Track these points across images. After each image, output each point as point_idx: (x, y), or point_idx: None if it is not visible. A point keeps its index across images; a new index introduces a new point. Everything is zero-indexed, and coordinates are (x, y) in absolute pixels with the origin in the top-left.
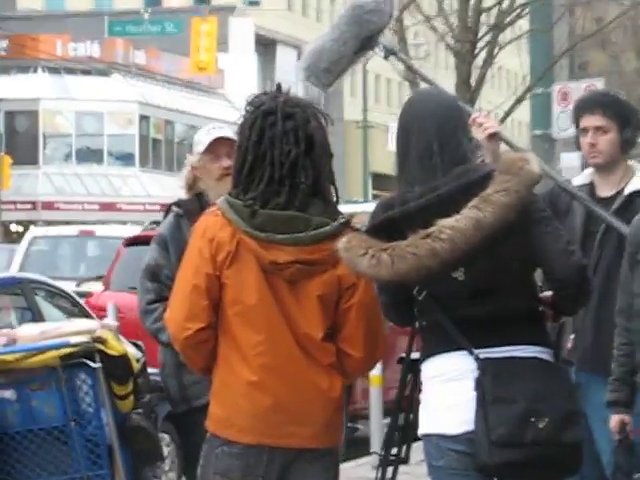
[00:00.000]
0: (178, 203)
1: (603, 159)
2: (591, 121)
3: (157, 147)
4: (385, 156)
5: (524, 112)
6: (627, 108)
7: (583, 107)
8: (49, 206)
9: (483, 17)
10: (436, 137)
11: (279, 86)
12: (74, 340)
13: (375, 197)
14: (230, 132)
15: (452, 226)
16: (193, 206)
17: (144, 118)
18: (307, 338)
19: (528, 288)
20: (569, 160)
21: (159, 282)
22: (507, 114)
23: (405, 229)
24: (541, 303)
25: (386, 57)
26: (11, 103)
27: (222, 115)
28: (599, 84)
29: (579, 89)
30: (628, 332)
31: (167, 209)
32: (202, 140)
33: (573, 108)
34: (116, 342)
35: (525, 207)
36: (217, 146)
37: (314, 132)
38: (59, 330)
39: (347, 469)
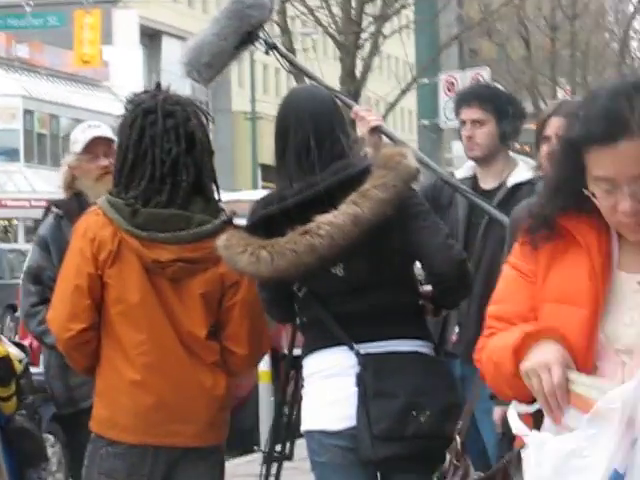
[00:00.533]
0: (57, 203)
1: (481, 152)
2: (469, 114)
3: (42, 142)
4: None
5: (413, 101)
6: (506, 100)
7: (461, 100)
8: None
9: (367, 8)
10: (313, 133)
11: (158, 84)
12: None
13: (264, 188)
14: (107, 130)
15: (330, 222)
16: (72, 206)
17: (28, 112)
18: (190, 336)
19: (408, 282)
20: (460, 149)
21: (41, 284)
22: (393, 105)
23: (284, 226)
24: (421, 297)
25: (267, 52)
26: None
27: (108, 108)
28: (485, 73)
29: (465, 78)
30: None
31: (46, 210)
32: (78, 139)
33: (454, 101)
34: None
35: (402, 202)
36: (94, 146)
37: (195, 130)
38: None
39: (233, 466)
